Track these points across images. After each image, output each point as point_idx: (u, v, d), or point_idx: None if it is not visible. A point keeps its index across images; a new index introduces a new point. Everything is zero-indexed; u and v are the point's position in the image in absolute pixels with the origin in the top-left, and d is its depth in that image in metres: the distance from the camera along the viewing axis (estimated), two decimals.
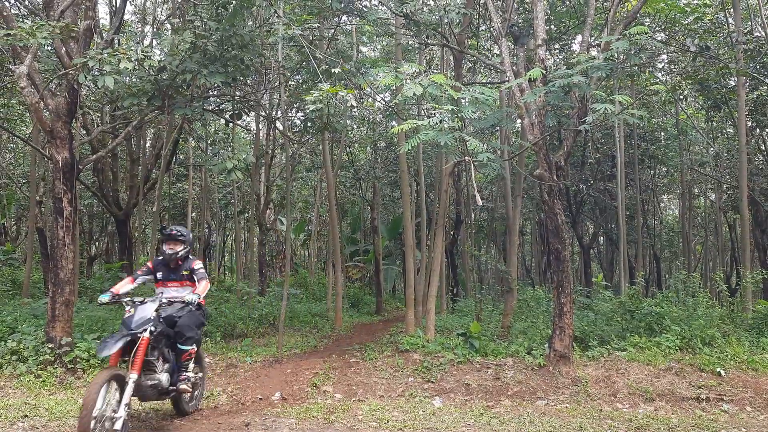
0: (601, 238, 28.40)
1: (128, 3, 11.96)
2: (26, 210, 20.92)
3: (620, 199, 15.41)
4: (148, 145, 18.22)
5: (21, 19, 9.92)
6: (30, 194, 15.99)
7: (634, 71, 14.46)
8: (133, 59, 7.58)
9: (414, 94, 6.76)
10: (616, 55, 8.05)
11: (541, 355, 8.82)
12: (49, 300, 8.94)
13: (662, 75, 18.78)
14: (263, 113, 14.83)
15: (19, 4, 11.90)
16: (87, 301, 13.46)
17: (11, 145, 21.18)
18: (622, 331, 10.17)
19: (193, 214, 22.72)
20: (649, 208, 24.36)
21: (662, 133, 22.01)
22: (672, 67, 17.68)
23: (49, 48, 7.59)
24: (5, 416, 6.98)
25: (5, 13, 8.41)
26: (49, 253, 13.66)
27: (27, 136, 16.92)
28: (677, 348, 9.03)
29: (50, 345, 8.65)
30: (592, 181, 21.00)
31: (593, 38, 10.11)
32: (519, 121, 12.46)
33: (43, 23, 7.28)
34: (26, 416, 6.96)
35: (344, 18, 12.88)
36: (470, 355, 9.17)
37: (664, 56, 16.77)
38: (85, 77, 7.37)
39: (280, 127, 15.97)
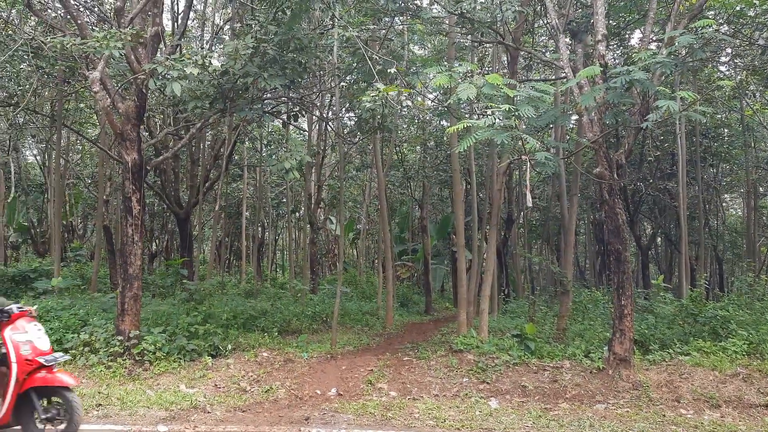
0: (660, 238, 27.59)
1: (190, 9, 12.31)
2: (93, 209, 21.84)
3: (681, 198, 14.95)
4: (207, 146, 18.75)
5: (92, 27, 10.38)
6: (97, 193, 16.72)
7: (697, 66, 14.02)
8: (197, 64, 7.84)
9: (468, 97, 6.75)
10: (679, 50, 7.84)
11: (599, 358, 8.67)
12: (118, 294, 9.34)
13: (726, 69, 18.10)
14: (317, 114, 15.05)
15: (89, 12, 12.45)
16: (150, 296, 13.99)
17: (79, 146, 22.12)
18: (685, 335, 9.90)
19: (248, 213, 23.24)
20: (711, 207, 23.49)
21: (726, 130, 21.20)
22: (737, 61, 17.02)
23: (120, 54, 7.92)
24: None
25: (79, 21, 8.83)
26: (115, 249, 14.29)
27: (94, 138, 17.67)
28: (744, 353, 8.73)
29: (119, 337, 9.04)
30: (651, 180, 20.42)
31: (654, 33, 9.87)
32: (575, 117, 12.27)
33: (115, 32, 7.61)
34: (100, 405, 7.33)
35: (396, 18, 12.93)
36: (525, 356, 9.10)
37: (729, 50, 16.16)
38: (155, 83, 7.67)
39: (333, 128, 16.19)
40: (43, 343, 5.74)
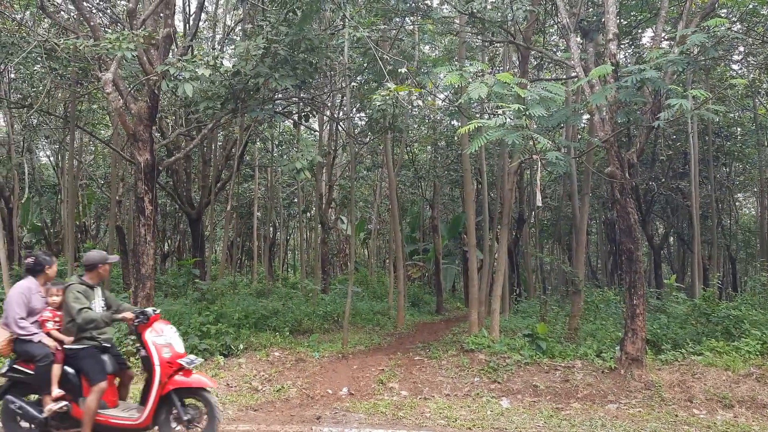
0: (672, 238, 27.40)
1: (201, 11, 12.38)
2: (106, 209, 22.02)
3: (694, 197, 14.83)
4: (218, 146, 18.86)
5: (104, 29, 10.48)
6: (110, 194, 16.86)
7: (709, 65, 13.90)
8: (209, 65, 7.89)
9: (479, 96, 6.74)
10: (691, 49, 7.79)
11: (611, 358, 8.64)
12: (131, 294, 9.43)
13: (738, 68, 17.95)
14: (328, 114, 15.08)
15: (102, 14, 12.56)
16: (162, 296, 14.09)
17: (92, 147, 22.31)
18: (698, 335, 9.84)
19: (259, 213, 23.34)
20: (724, 207, 23.30)
21: (739, 129, 21.02)
22: (750, 59, 16.88)
23: (132, 56, 7.98)
24: None
25: (92, 23, 8.92)
26: (128, 249, 14.40)
27: (107, 139, 17.82)
28: (758, 353, 8.66)
29: (132, 337, 9.10)
30: (663, 179, 20.28)
31: (666, 32, 9.82)
32: (586, 117, 12.23)
33: (127, 34, 7.68)
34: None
35: (407, 18, 12.94)
36: (537, 356, 9.09)
37: (741, 48, 16.02)
38: (168, 84, 7.73)
39: (344, 128, 16.22)
40: (179, 345, 5.72)
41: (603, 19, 9.11)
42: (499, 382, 8.40)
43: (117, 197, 15.59)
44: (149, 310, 5.73)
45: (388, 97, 8.60)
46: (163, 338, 5.59)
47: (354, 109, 16.49)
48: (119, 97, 8.74)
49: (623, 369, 8.24)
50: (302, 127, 19.32)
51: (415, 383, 8.55)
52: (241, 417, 7.09)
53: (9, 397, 5.54)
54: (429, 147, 23.37)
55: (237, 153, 15.86)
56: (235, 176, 17.99)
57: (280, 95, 11.07)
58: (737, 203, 26.63)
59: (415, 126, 22.13)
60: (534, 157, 7.53)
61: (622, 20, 13.00)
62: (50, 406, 5.37)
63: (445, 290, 24.59)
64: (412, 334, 14.33)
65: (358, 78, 12.75)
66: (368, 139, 17.90)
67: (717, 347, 8.88)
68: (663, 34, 9.34)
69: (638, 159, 9.04)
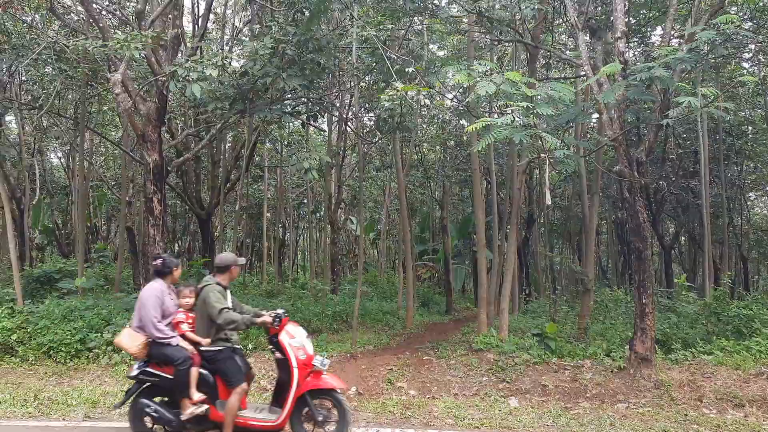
0: (683, 237, 27.20)
1: (210, 11, 12.45)
2: (116, 210, 22.16)
3: (704, 196, 14.70)
4: (227, 147, 18.94)
5: (114, 30, 10.55)
6: (120, 195, 16.97)
7: (719, 62, 13.79)
8: (217, 65, 7.93)
9: (487, 93, 6.73)
10: (700, 47, 7.73)
11: (620, 357, 8.60)
12: None
13: (749, 66, 17.78)
14: (336, 114, 15.11)
15: (111, 15, 12.65)
16: None
17: (102, 148, 22.47)
18: (708, 335, 9.77)
19: (269, 214, 23.41)
20: (735, 206, 23.09)
21: (749, 127, 20.83)
22: (761, 57, 16.72)
23: (141, 56, 8.04)
24: (103, 402, 7.50)
25: (101, 24, 8.99)
26: (138, 250, 14.49)
27: (117, 140, 17.94)
28: None
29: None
30: (673, 178, 20.14)
31: (675, 30, 9.75)
32: (595, 116, 12.16)
33: (136, 35, 7.74)
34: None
35: (415, 18, 12.94)
36: (546, 356, 9.06)
37: (752, 46, 15.87)
38: (175, 85, 7.77)
39: (353, 128, 16.23)
40: (310, 347, 5.72)
41: (611, 17, 9.06)
42: (507, 382, 8.38)
43: (127, 198, 15.68)
44: (280, 311, 5.70)
45: (395, 97, 8.60)
46: (297, 340, 5.60)
47: (362, 109, 16.51)
48: (128, 98, 8.81)
49: (632, 368, 8.20)
50: (311, 128, 19.35)
51: (423, 383, 8.54)
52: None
53: (144, 400, 5.51)
54: (438, 147, 23.35)
55: (246, 153, 15.91)
56: (245, 177, 18.05)
57: (288, 95, 11.11)
58: (749, 203, 26.38)
59: (424, 126, 22.13)
60: (542, 155, 7.52)
61: (631, 18, 12.93)
62: (191, 410, 5.34)
63: (455, 290, 24.53)
64: (421, 334, 14.32)
65: (367, 78, 12.76)
66: (377, 139, 17.93)
67: (727, 346, 8.82)
68: (672, 32, 9.28)
69: (647, 158, 8.98)
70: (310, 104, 11.43)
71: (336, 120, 18.81)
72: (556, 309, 13.33)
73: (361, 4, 11.55)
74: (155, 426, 5.58)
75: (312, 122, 11.94)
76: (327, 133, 19.98)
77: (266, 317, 5.55)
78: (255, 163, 20.88)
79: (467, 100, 11.02)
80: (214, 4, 13.68)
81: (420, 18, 12.78)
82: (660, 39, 10.05)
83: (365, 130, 17.96)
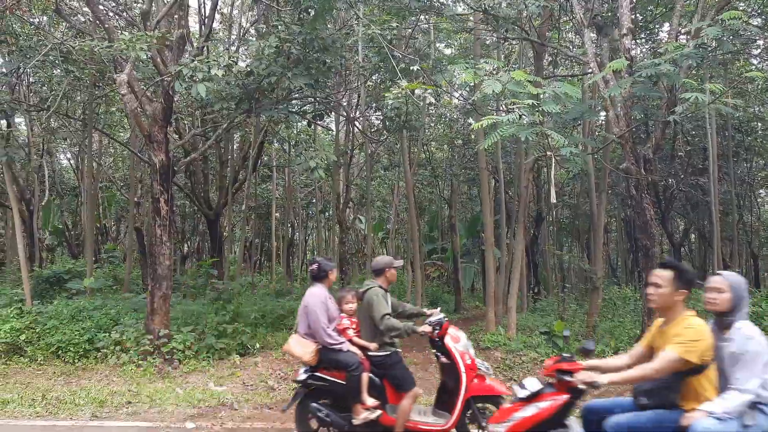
0: (693, 235, 27.00)
1: (215, 11, 12.48)
2: (125, 211, 22.29)
3: (713, 194, 14.57)
4: (235, 147, 18.99)
5: (120, 31, 10.61)
6: (128, 196, 17.06)
7: (727, 59, 13.66)
8: (222, 65, 7.94)
9: (493, 92, 6.71)
10: (707, 43, 7.67)
11: None
12: (148, 294, 9.53)
13: (758, 62, 17.61)
14: (343, 113, 15.11)
15: (118, 16, 12.72)
16: (181, 296, 14.21)
17: (111, 149, 22.60)
18: None
19: (277, 214, 23.46)
20: (745, 203, 22.89)
21: (759, 124, 20.64)
22: None
23: (146, 57, 8.07)
24: (110, 402, 7.53)
25: (107, 25, 9.03)
26: (147, 250, 14.55)
27: (125, 141, 18.04)
28: None
29: (149, 336, 9.22)
30: (682, 176, 19.99)
31: (682, 26, 9.68)
32: (603, 113, 12.10)
33: (142, 35, 7.76)
34: (130, 402, 7.48)
35: (422, 17, 12.92)
36: (554, 353, 9.01)
37: (760, 42, 15.71)
38: (181, 85, 7.80)
39: (360, 127, 16.23)
40: (472, 350, 5.64)
41: (617, 14, 9.01)
42: (514, 380, 8.35)
43: (136, 199, 15.76)
44: (441, 316, 5.62)
45: (401, 95, 8.59)
46: (462, 345, 5.52)
47: (369, 109, 16.51)
48: (134, 99, 8.85)
49: None
50: (319, 127, 19.37)
51: (430, 381, 8.53)
52: (257, 415, 7.14)
53: (314, 404, 5.43)
54: (446, 146, 23.30)
55: (253, 153, 15.96)
56: (252, 177, 18.08)
57: (294, 95, 11.13)
58: (759, 199, 26.14)
59: (432, 125, 22.10)
60: (548, 153, 7.48)
61: (638, 15, 12.85)
62: (365, 415, 5.27)
63: (464, 289, 24.45)
64: None
65: (374, 77, 12.76)
66: (384, 138, 17.92)
67: None
68: (679, 29, 9.21)
69: (654, 154, 8.92)
70: (316, 104, 11.45)
71: (343, 119, 18.83)
72: (564, 307, 13.26)
73: (366, 3, 11.56)
74: (320, 428, 5.54)
75: (318, 122, 11.94)
76: (334, 133, 20.01)
77: (426, 327, 5.47)
78: (263, 163, 20.92)
79: (473, 98, 11.00)
80: (220, 4, 13.73)
81: (426, 16, 12.76)
82: (667, 36, 9.98)
83: (372, 130, 17.94)
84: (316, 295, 5.46)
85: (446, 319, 5.64)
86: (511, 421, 4.28)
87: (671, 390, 3.74)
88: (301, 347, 5.44)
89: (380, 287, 5.58)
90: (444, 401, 5.65)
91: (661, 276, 3.86)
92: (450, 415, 5.42)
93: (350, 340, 5.50)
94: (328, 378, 5.42)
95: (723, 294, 3.80)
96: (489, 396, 5.51)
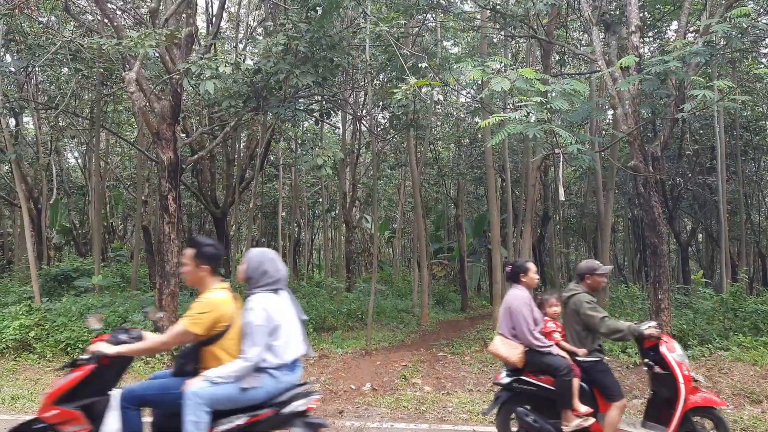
0: (700, 234, 26.89)
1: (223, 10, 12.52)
2: (132, 210, 22.37)
3: (721, 193, 14.52)
4: (242, 146, 19.04)
5: (128, 29, 10.66)
6: (136, 195, 17.14)
7: (735, 57, 13.60)
8: (230, 63, 7.98)
9: (501, 89, 6.70)
10: (715, 40, 7.64)
11: (636, 353, 8.51)
12: (156, 291, 9.57)
13: (767, 60, 17.51)
14: (350, 111, 15.13)
15: (126, 15, 12.78)
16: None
17: (118, 148, 22.70)
18: (725, 331, 9.65)
19: (284, 213, 23.51)
20: (753, 202, 22.78)
21: (767, 122, 20.54)
22: None
23: (155, 55, 8.12)
24: None
25: (115, 24, 9.08)
26: (154, 248, 14.63)
27: (132, 139, 18.12)
28: None
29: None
30: (690, 175, 19.91)
31: (690, 24, 9.65)
32: (611, 111, 12.07)
33: (150, 32, 7.80)
34: None
35: (429, 15, 12.93)
36: None
37: None
38: (189, 82, 7.83)
39: (367, 125, 16.24)
40: (687, 361, 5.31)
41: (625, 12, 8.99)
42: None
43: (143, 198, 15.83)
44: (653, 323, 5.35)
45: (408, 92, 8.60)
46: (678, 354, 5.25)
47: (376, 107, 16.53)
48: (143, 97, 8.89)
49: None
50: (325, 125, 19.40)
51: (438, 378, 8.54)
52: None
53: (521, 408, 5.24)
54: (452, 145, 23.30)
55: (260, 152, 16.01)
56: (259, 175, 18.12)
57: (301, 93, 11.16)
58: (767, 199, 26.02)
59: (438, 123, 22.10)
60: (556, 150, 7.49)
61: (646, 13, 12.81)
62: (578, 422, 5.06)
63: (470, 288, 24.46)
64: (436, 331, 14.30)
65: (381, 76, 12.78)
66: (391, 136, 17.93)
67: (744, 342, 8.70)
68: (688, 26, 9.19)
69: (662, 152, 8.91)
70: (323, 102, 11.47)
71: (350, 118, 18.85)
72: None
73: (374, 1, 11.58)
74: None
75: (325, 119, 11.96)
76: (341, 131, 20.04)
77: (654, 330, 5.25)
78: (269, 161, 20.97)
79: (481, 95, 10.99)
80: (227, 3, 13.77)
81: (433, 14, 12.76)
82: (675, 34, 9.95)
83: (379, 128, 17.96)
84: (519, 297, 5.31)
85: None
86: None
87: (188, 359, 3.92)
88: (509, 349, 5.29)
89: (587, 293, 5.35)
90: (655, 414, 5.36)
91: (186, 254, 3.99)
92: (666, 428, 5.12)
93: (557, 344, 5.29)
94: (537, 382, 5.21)
95: (241, 266, 4.05)
96: (706, 409, 5.19)
